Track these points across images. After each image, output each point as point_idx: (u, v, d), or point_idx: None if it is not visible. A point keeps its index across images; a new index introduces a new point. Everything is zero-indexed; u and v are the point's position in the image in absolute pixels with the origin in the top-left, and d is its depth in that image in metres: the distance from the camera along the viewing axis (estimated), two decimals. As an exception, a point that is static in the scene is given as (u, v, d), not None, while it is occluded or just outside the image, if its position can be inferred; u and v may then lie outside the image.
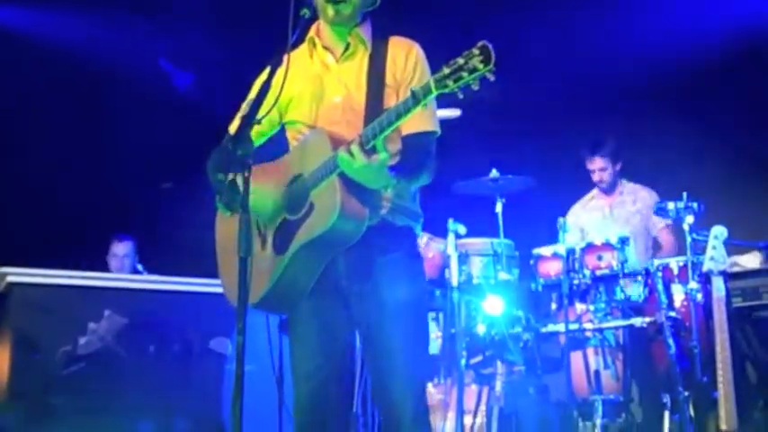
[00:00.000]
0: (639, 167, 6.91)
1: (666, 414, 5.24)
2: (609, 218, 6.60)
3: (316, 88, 3.32)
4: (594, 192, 6.78)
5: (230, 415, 2.54)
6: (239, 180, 2.69)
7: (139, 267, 7.01)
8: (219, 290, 3.48)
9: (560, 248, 5.67)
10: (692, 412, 5.12)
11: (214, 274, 3.55)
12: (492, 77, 2.70)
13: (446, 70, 2.75)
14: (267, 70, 3.04)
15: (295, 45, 3.20)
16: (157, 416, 5.44)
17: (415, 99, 2.84)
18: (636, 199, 6.60)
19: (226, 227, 3.36)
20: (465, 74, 2.71)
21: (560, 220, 5.71)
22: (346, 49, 3.33)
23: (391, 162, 3.07)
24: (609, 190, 6.68)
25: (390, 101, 3.17)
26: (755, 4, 6.87)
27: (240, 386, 2.51)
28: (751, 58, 6.93)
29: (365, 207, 3.05)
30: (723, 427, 4.70)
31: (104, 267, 7.08)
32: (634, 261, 5.66)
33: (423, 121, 3.21)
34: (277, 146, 3.48)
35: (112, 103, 7.54)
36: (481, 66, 2.68)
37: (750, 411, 5.13)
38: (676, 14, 7.07)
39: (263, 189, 3.23)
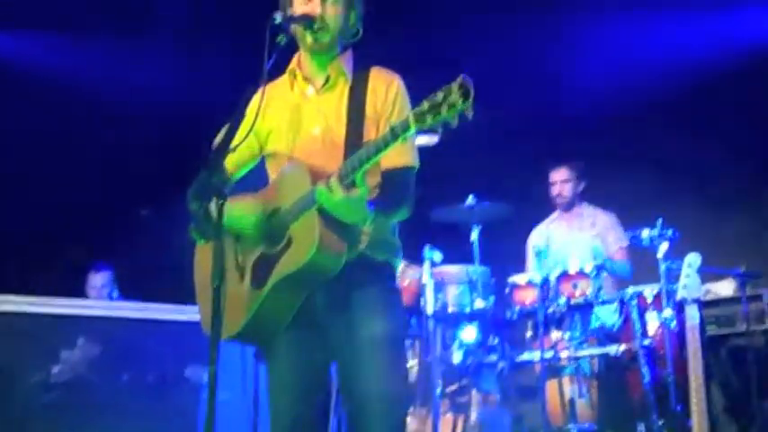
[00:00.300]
0: (613, 194, 6.95)
1: (641, 442, 5.25)
2: (569, 241, 6.52)
3: (295, 119, 3.29)
4: (555, 214, 6.72)
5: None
6: (213, 208, 2.68)
7: (114, 295, 6.96)
8: (195, 317, 3.45)
9: (536, 276, 5.69)
10: (666, 441, 5.14)
11: (190, 301, 3.52)
12: (471, 114, 2.65)
13: (425, 105, 2.71)
14: (250, 98, 3.04)
15: (275, 75, 3.20)
16: (132, 446, 5.39)
17: (394, 134, 2.80)
18: (595, 222, 6.57)
19: (203, 256, 3.32)
20: (444, 109, 2.66)
21: (537, 246, 5.73)
22: (326, 80, 3.28)
23: (370, 196, 3.04)
24: (568, 207, 6.61)
25: (370, 133, 3.15)
26: (729, 28, 6.94)
27: (212, 415, 2.48)
28: (724, 86, 6.99)
29: (343, 242, 3.02)
30: (697, 455, 4.71)
31: (81, 295, 7.01)
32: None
33: (402, 155, 3.18)
34: (258, 177, 3.46)
35: (91, 127, 7.50)
36: (460, 101, 2.64)
37: (724, 439, 5.14)
38: (652, 41, 7.15)
39: (242, 221, 3.20)
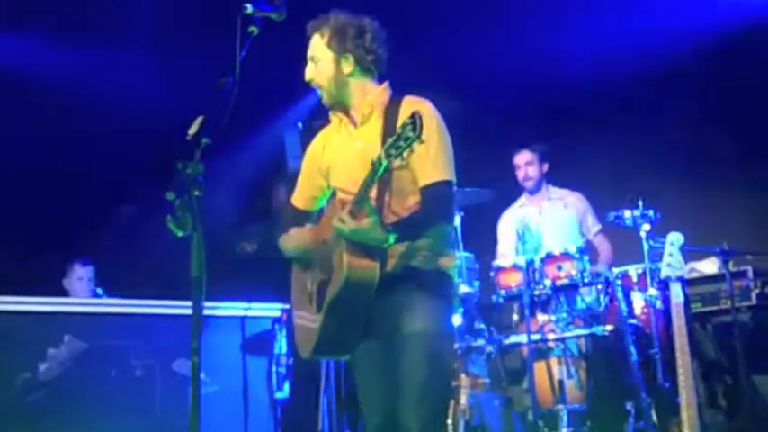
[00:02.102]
0: (596, 175, 6.96)
1: (630, 421, 5.28)
2: (540, 219, 6.49)
3: (343, 155, 3.64)
4: (523, 199, 6.73)
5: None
6: (190, 200, 2.68)
7: (99, 291, 6.93)
8: (181, 311, 3.62)
9: (520, 260, 5.70)
10: (655, 418, 5.16)
11: (176, 296, 3.59)
12: (423, 141, 3.13)
13: (390, 141, 3.19)
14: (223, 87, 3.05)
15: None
16: (121, 442, 5.38)
17: (373, 168, 3.24)
18: (566, 204, 6.57)
19: (295, 281, 3.78)
20: (402, 143, 3.14)
21: (519, 230, 5.74)
22: (362, 117, 3.61)
23: (407, 214, 3.45)
24: (534, 190, 6.61)
25: (398, 161, 3.36)
26: (709, 5, 6.95)
27: (197, 406, 2.48)
28: (706, 65, 7.01)
29: (374, 261, 3.36)
30: (686, 431, 4.73)
31: (60, 292, 6.98)
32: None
33: (431, 172, 3.46)
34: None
35: (72, 124, 7.47)
36: (411, 134, 3.11)
37: (712, 415, 5.17)
38: (630, 18, 7.13)
39: (297, 248, 3.67)
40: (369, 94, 3.62)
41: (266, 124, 7.16)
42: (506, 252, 6.51)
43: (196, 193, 2.63)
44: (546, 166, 6.60)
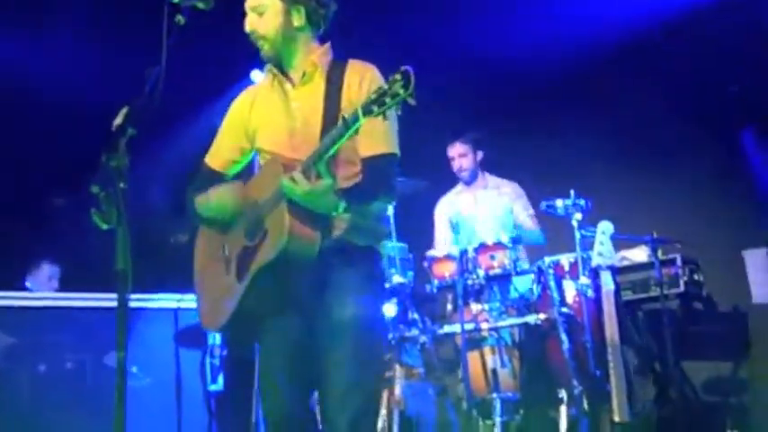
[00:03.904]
0: (527, 165, 7.01)
1: (563, 408, 5.33)
2: (475, 208, 6.53)
3: (275, 116, 3.42)
4: (459, 186, 6.72)
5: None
6: (116, 193, 2.64)
7: (28, 284, 6.82)
8: (112, 304, 3.47)
9: (453, 249, 5.72)
10: (586, 405, 5.22)
11: (107, 290, 3.52)
12: (412, 102, 2.85)
13: (372, 96, 2.91)
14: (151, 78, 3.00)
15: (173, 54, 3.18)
16: (53, 436, 5.32)
17: (345, 125, 2.98)
18: (500, 193, 6.57)
19: (201, 244, 3.54)
20: (388, 99, 2.87)
21: (452, 220, 5.76)
22: (303, 75, 3.41)
23: (347, 184, 3.22)
24: (470, 180, 6.61)
25: None
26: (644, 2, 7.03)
27: (122, 401, 2.45)
28: (635, 55, 7.10)
29: (315, 230, 3.13)
30: (616, 418, 4.81)
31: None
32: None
33: (380, 143, 3.29)
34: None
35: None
36: (402, 91, 2.84)
37: (641, 402, 5.24)
38: (563, 12, 7.19)
39: (220, 208, 3.38)
40: (312, 53, 3.42)
41: (197, 114, 7.08)
42: (441, 239, 6.53)
43: (121, 185, 2.59)
44: (480, 155, 6.59)
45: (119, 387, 2.47)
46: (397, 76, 2.86)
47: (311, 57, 3.41)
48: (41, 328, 5.44)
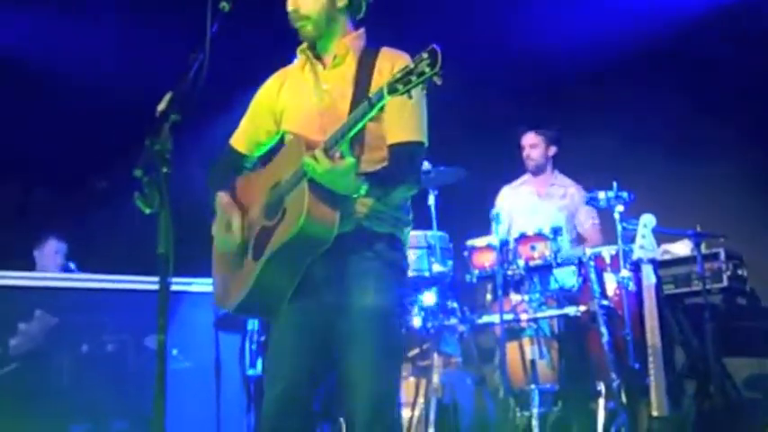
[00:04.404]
0: (569, 157, 6.97)
1: (601, 401, 5.31)
2: (537, 205, 6.53)
3: (304, 97, 3.40)
4: (526, 176, 6.73)
5: (153, 413, 2.49)
6: (158, 177, 2.66)
7: (71, 266, 6.91)
8: (154, 287, 3.47)
9: (494, 239, 5.70)
10: (624, 399, 5.19)
11: (148, 272, 3.52)
12: (438, 81, 2.78)
13: (397, 75, 2.85)
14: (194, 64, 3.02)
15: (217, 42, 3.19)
16: (92, 417, 5.38)
17: (370, 104, 2.93)
18: (565, 194, 6.55)
19: (218, 227, 3.45)
20: (414, 77, 2.80)
21: (493, 211, 5.73)
22: (334, 58, 3.39)
23: (372, 169, 3.17)
24: (538, 171, 6.61)
25: None
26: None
27: (162, 385, 2.47)
28: (679, 47, 7.02)
29: (335, 212, 3.08)
30: (654, 413, 4.77)
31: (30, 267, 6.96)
32: (566, 251, 5.73)
33: (406, 130, 3.26)
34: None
35: (41, 100, 7.39)
36: (428, 69, 2.77)
37: (681, 397, 5.20)
38: (609, 3, 7.13)
39: (249, 196, 3.38)
40: (345, 37, 3.40)
41: (239, 100, 7.11)
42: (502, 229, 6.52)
43: (164, 170, 2.60)
44: (553, 150, 6.60)
45: (159, 370, 2.49)
46: (424, 55, 2.80)
47: (344, 40, 3.39)
48: (84, 310, 5.50)
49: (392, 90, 2.85)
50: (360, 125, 3.00)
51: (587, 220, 6.46)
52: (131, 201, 2.69)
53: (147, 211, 2.84)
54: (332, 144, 3.02)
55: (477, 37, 7.30)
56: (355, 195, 3.12)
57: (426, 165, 5.76)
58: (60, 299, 5.46)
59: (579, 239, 6.43)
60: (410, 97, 2.86)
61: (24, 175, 7.49)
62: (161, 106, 2.72)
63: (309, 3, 3.34)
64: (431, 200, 5.83)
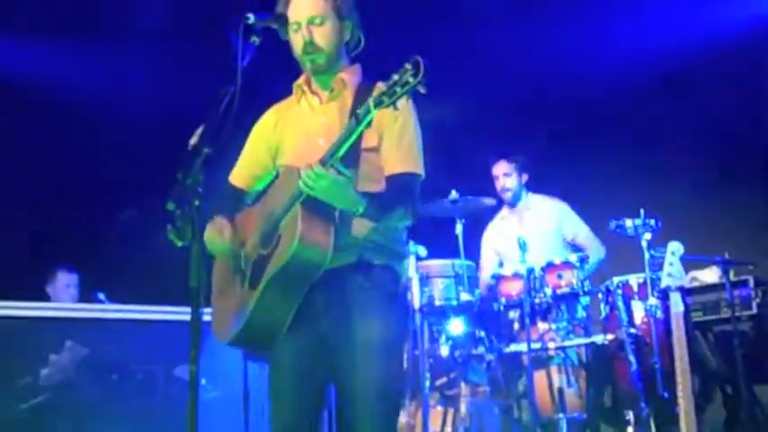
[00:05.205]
0: (596, 184, 6.97)
1: (630, 430, 5.27)
2: (520, 230, 6.37)
3: (301, 132, 3.39)
4: (504, 211, 6.67)
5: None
6: (191, 210, 2.70)
7: (101, 296, 6.94)
8: (184, 317, 3.50)
9: (521, 268, 5.70)
10: (654, 428, 5.16)
11: (177, 302, 3.54)
12: (423, 90, 2.76)
13: (382, 88, 2.83)
14: (224, 98, 3.06)
15: (251, 75, 3.23)
16: (123, 446, 5.40)
17: (357, 119, 2.92)
18: (545, 211, 6.51)
19: (220, 261, 3.46)
20: (398, 88, 2.79)
21: (520, 239, 5.72)
22: (331, 92, 3.38)
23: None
24: (514, 201, 6.56)
25: (369, 143, 3.21)
26: (714, 14, 6.96)
27: (194, 414, 2.50)
28: (705, 71, 7.01)
29: (328, 236, 3.05)
30: (684, 441, 4.73)
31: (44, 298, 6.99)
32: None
33: (403, 162, 3.27)
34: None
35: (70, 131, 7.46)
36: (412, 79, 2.74)
37: (711, 425, 5.17)
38: (632, 26, 7.14)
39: (248, 230, 3.34)
40: (342, 71, 3.38)
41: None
42: (488, 266, 6.54)
43: (196, 203, 2.64)
44: (525, 177, 6.56)
45: (191, 401, 2.51)
46: (408, 66, 2.76)
47: (341, 75, 3.38)
48: (113, 340, 5.53)
49: (378, 103, 2.84)
50: (349, 141, 2.97)
51: (582, 229, 6.44)
52: (159, 232, 2.73)
53: (179, 243, 2.88)
54: (327, 159, 2.99)
55: (507, 64, 7.32)
56: (353, 210, 3.09)
57: (454, 194, 5.80)
58: (91, 330, 5.50)
59: (577, 248, 6.38)
60: (396, 108, 2.84)
61: (52, 204, 7.53)
62: (193, 140, 2.76)
63: (327, 35, 3.32)
64: (458, 229, 5.85)
